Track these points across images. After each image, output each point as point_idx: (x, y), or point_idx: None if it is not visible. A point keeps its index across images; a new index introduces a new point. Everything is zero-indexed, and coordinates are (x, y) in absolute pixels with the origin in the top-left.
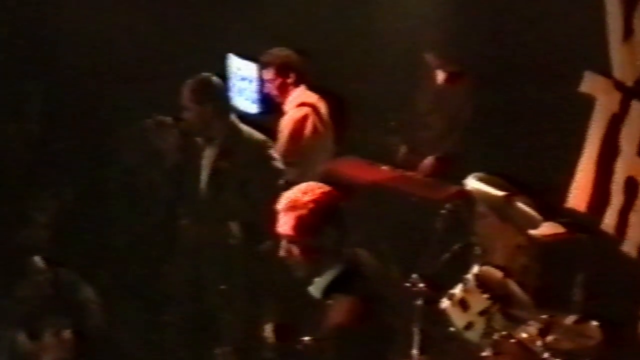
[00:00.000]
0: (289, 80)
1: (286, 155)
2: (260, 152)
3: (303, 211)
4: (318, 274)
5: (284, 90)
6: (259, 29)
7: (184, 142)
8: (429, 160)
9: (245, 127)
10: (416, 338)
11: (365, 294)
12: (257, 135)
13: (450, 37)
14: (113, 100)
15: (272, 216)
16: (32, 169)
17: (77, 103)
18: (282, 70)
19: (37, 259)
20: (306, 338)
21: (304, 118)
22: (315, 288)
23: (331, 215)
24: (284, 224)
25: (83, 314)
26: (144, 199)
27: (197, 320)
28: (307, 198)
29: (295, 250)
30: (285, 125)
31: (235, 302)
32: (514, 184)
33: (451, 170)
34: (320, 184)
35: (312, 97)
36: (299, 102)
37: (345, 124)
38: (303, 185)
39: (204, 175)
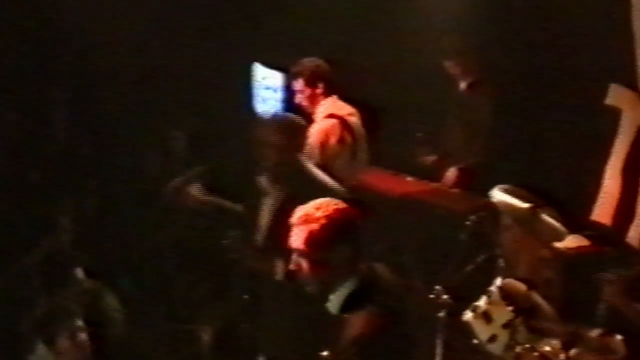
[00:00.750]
0: (318, 91)
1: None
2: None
3: (315, 226)
4: (330, 289)
5: (313, 100)
6: (284, 39)
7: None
8: (452, 172)
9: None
10: (439, 350)
11: (384, 307)
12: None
13: (473, 46)
14: (138, 108)
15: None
16: (58, 174)
17: (102, 110)
18: (312, 80)
19: (78, 270)
20: (325, 353)
21: (331, 129)
22: (332, 304)
23: (344, 232)
24: (296, 238)
25: (106, 321)
26: (168, 206)
27: (221, 329)
28: (319, 213)
29: (305, 264)
30: (313, 134)
31: (259, 313)
32: (539, 196)
33: (475, 181)
34: (336, 201)
35: (343, 108)
36: (328, 113)
37: (377, 135)
38: (318, 201)
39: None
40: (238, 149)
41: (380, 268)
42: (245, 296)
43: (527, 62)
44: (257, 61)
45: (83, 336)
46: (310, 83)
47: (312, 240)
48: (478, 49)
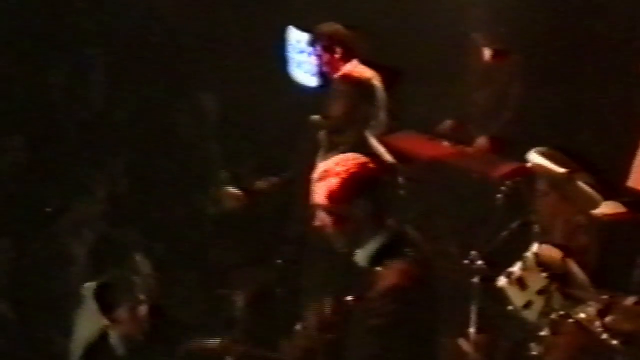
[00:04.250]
0: (337, 56)
1: (337, 125)
2: None
3: (334, 180)
4: (357, 244)
5: (333, 65)
6: (318, 2)
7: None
8: (482, 139)
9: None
10: (473, 316)
11: (418, 259)
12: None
13: (499, 15)
14: (172, 73)
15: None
16: (93, 138)
17: (138, 74)
18: (330, 45)
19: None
20: (349, 297)
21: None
22: (361, 257)
23: (364, 186)
24: (317, 193)
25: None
26: (201, 172)
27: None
28: (339, 168)
29: (329, 220)
30: (335, 98)
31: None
32: (575, 161)
33: (506, 149)
34: (357, 155)
35: (365, 72)
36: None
37: (399, 98)
38: (339, 157)
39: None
40: (273, 113)
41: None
42: (279, 261)
43: (558, 28)
44: (291, 24)
45: (143, 309)
46: (328, 48)
47: (332, 195)
48: (504, 18)
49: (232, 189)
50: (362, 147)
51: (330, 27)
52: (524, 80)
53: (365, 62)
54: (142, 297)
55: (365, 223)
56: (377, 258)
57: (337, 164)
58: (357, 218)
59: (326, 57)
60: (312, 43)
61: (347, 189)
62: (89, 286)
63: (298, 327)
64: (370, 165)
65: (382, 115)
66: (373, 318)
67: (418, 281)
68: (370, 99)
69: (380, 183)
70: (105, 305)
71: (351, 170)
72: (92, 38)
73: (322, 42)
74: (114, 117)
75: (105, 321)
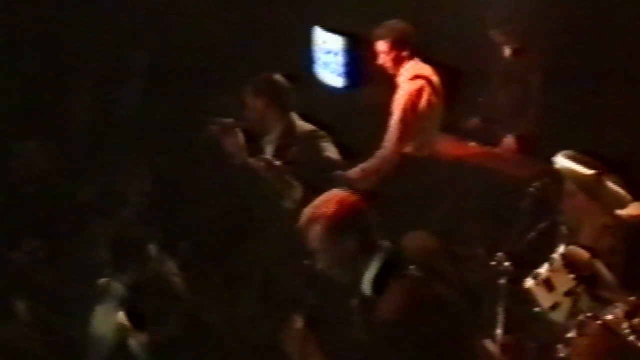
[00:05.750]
0: (404, 54)
1: (403, 129)
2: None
3: (321, 224)
4: (358, 273)
5: (398, 63)
6: (344, 3)
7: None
8: (509, 139)
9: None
10: (500, 317)
11: (418, 278)
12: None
13: (519, 13)
14: (199, 75)
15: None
16: (120, 140)
17: (165, 76)
18: (399, 43)
19: (152, 247)
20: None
21: (420, 90)
22: (365, 285)
23: (350, 222)
24: (310, 239)
25: (167, 286)
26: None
27: (278, 294)
28: (320, 211)
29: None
30: (401, 98)
31: (318, 278)
32: (602, 163)
33: (537, 149)
34: (334, 193)
35: (426, 70)
36: (413, 75)
37: (455, 96)
38: (321, 198)
39: None
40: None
41: (422, 235)
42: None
43: (582, 25)
44: (317, 25)
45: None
46: (398, 46)
47: (322, 238)
48: (524, 16)
49: None
50: None
51: (399, 24)
52: (550, 79)
53: (425, 60)
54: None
55: (358, 252)
56: (380, 283)
57: (317, 207)
58: (350, 250)
59: (393, 54)
60: (377, 38)
61: (335, 231)
62: (106, 283)
63: None
64: (350, 200)
65: (440, 114)
66: (399, 324)
67: (429, 296)
68: None
69: (365, 213)
70: (134, 315)
71: (332, 212)
72: (136, 39)
73: (390, 39)
74: (142, 118)
75: (124, 322)
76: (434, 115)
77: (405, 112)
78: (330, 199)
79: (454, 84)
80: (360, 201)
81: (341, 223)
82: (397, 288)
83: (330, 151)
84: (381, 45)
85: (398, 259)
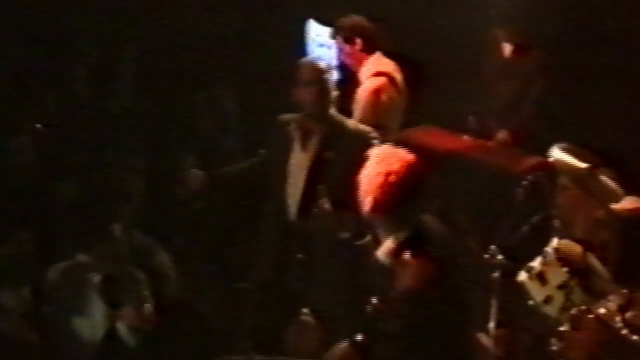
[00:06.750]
0: (357, 47)
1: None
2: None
3: (379, 191)
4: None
5: (355, 58)
6: None
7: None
8: (503, 133)
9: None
10: (493, 311)
11: (437, 257)
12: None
13: (520, 11)
14: (192, 68)
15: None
16: (113, 133)
17: (157, 70)
18: (349, 37)
19: (116, 226)
20: (374, 299)
21: (380, 88)
22: (382, 252)
23: (413, 188)
24: (365, 204)
25: (158, 279)
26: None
27: (274, 287)
28: (382, 175)
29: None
30: (362, 94)
31: (313, 271)
32: (597, 156)
33: (527, 143)
34: (400, 154)
35: (388, 65)
36: (375, 71)
37: (421, 92)
38: (380, 158)
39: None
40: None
41: (430, 220)
42: (300, 255)
43: (580, 22)
44: (312, 18)
45: (149, 307)
46: (348, 40)
47: (383, 205)
48: (525, 14)
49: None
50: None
51: (350, 19)
52: (546, 75)
53: (388, 55)
54: (147, 293)
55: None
56: (398, 252)
57: (379, 165)
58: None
59: (347, 49)
60: (333, 36)
61: (398, 198)
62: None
63: None
64: (416, 162)
65: (402, 109)
66: (394, 319)
67: (437, 279)
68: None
69: (426, 179)
70: (112, 300)
71: (399, 176)
72: (127, 32)
73: (343, 33)
74: (134, 112)
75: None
76: (395, 111)
77: (365, 110)
78: (394, 159)
79: (420, 79)
80: (427, 164)
81: (406, 189)
82: (411, 265)
83: None
84: (337, 42)
85: (421, 235)
